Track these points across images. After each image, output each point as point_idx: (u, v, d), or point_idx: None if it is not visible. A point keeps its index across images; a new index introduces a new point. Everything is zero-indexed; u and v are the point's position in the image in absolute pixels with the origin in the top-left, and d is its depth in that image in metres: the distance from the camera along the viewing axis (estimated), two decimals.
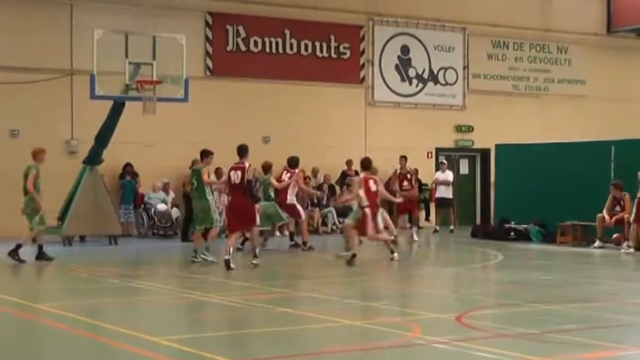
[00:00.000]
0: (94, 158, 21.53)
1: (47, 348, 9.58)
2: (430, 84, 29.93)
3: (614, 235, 21.25)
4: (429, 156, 29.77)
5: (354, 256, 17.09)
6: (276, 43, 27.36)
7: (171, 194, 25.08)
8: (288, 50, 27.54)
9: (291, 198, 20.40)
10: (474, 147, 30.63)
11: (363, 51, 28.86)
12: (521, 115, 30.85)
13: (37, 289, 15.09)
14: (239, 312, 11.85)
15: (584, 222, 22.05)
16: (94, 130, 21.54)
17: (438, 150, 30.00)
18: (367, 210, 17.20)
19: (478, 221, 29.37)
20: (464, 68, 30.47)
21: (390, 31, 29.27)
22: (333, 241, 23.43)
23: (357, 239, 17.50)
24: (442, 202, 26.73)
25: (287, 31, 27.51)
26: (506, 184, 25.57)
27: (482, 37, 30.65)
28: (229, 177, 16.76)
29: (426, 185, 27.94)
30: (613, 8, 32.65)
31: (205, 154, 17.80)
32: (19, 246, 17.46)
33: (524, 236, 23.44)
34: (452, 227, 26.67)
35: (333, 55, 28.29)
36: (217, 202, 19.54)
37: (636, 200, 20.42)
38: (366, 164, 17.84)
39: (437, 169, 28.13)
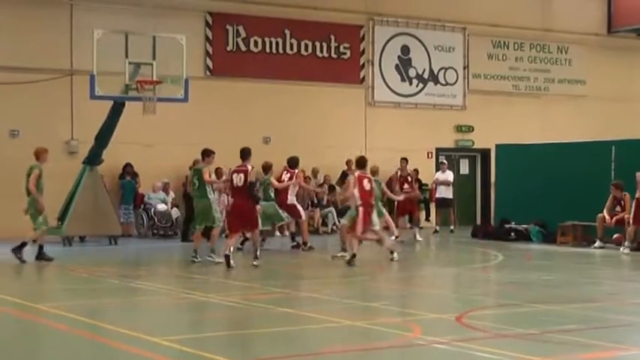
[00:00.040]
0: (94, 158, 21.52)
1: (47, 348, 9.57)
2: (430, 84, 29.92)
3: (615, 236, 21.25)
4: (429, 156, 29.75)
5: (353, 256, 17.08)
6: (276, 43, 27.35)
7: (171, 194, 25.06)
8: (288, 50, 27.53)
9: (291, 198, 20.40)
10: (475, 147, 30.61)
11: (364, 51, 28.85)
12: (521, 115, 30.84)
13: (37, 289, 15.07)
14: (239, 312, 11.84)
15: (584, 222, 22.04)
16: (94, 131, 21.54)
17: (439, 150, 29.98)
18: (360, 209, 17.19)
19: (478, 221, 29.35)
20: (464, 68, 30.45)
21: (390, 31, 29.26)
22: (333, 241, 23.37)
23: (356, 239, 17.48)
24: (442, 203, 26.72)
25: (287, 31, 27.50)
26: (506, 184, 25.56)
27: (482, 37, 30.64)
28: (232, 180, 16.89)
29: (426, 185, 27.94)
30: (613, 8, 32.63)
31: (207, 154, 17.80)
32: (23, 244, 17.51)
33: (524, 236, 23.43)
34: (452, 227, 26.65)
35: (333, 55, 28.28)
36: (217, 202, 19.52)
37: (634, 201, 20.43)
38: (361, 163, 17.82)
39: (437, 170, 28.11)
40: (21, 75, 23.80)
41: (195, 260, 17.31)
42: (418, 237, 23.04)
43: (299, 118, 27.33)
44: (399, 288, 15.08)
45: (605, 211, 21.18)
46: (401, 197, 22.31)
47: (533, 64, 31.60)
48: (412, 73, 29.63)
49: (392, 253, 17.74)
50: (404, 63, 29.54)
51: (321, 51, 28.06)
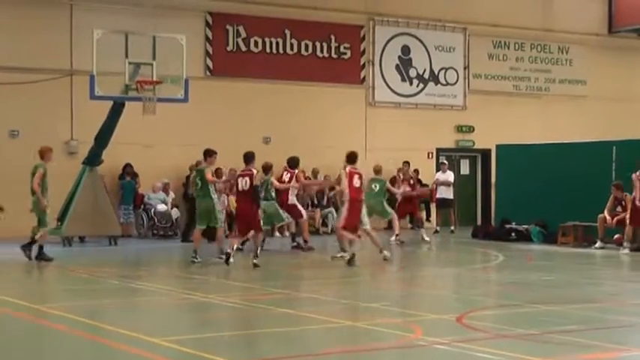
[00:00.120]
0: (93, 159, 21.49)
1: (47, 349, 9.55)
2: (431, 84, 29.89)
3: (616, 236, 21.22)
4: (430, 156, 29.73)
5: (353, 255, 17.07)
6: (277, 43, 27.32)
7: (171, 195, 25.04)
8: (288, 50, 27.51)
9: (292, 198, 20.39)
10: (475, 147, 30.58)
11: (364, 51, 28.83)
12: (522, 115, 30.81)
13: (37, 290, 15.06)
14: (239, 313, 11.82)
15: (585, 222, 22.01)
16: (94, 131, 21.51)
17: (439, 150, 29.96)
18: (346, 204, 17.26)
19: (479, 222, 29.33)
20: (465, 68, 30.43)
21: (390, 31, 29.23)
22: (333, 241, 23.28)
23: (351, 238, 17.48)
24: (443, 203, 26.69)
25: (287, 31, 27.48)
26: (507, 184, 25.53)
27: (483, 37, 30.61)
28: (237, 183, 17.20)
29: (427, 186, 27.89)
30: (614, 8, 32.61)
31: (208, 154, 17.80)
32: (33, 242, 17.53)
33: (525, 237, 23.40)
34: (452, 228, 26.63)
35: (334, 56, 28.26)
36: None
37: (630, 202, 20.44)
38: (352, 158, 17.81)
39: (437, 170, 28.09)
40: (21, 75, 23.77)
41: (195, 261, 17.30)
42: (425, 237, 22.91)
43: (299, 119, 27.31)
44: (399, 288, 15.08)
45: (606, 211, 21.16)
46: (401, 190, 22.46)
47: (534, 64, 31.58)
48: (412, 73, 29.61)
49: (381, 252, 17.67)
50: (404, 63, 29.52)
51: (322, 51, 28.04)
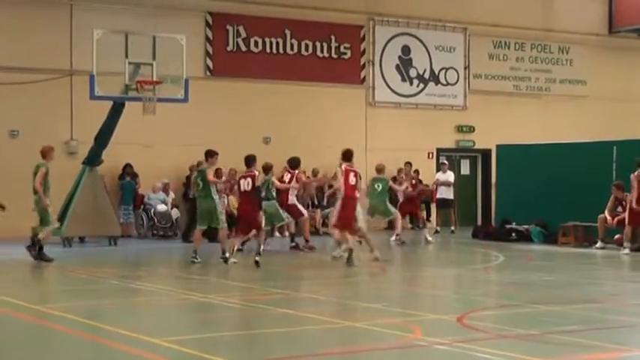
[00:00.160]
0: (93, 159, 21.47)
1: (47, 350, 9.52)
2: (431, 84, 29.88)
3: (616, 236, 21.19)
4: (430, 156, 29.71)
5: (350, 252, 17.08)
6: (277, 43, 27.31)
7: (171, 195, 25.02)
8: (288, 50, 27.49)
9: (292, 198, 20.39)
10: (475, 147, 30.57)
11: (364, 51, 28.81)
12: (522, 115, 30.80)
13: (36, 290, 15.03)
14: (239, 313, 11.82)
15: (585, 223, 21.99)
16: (94, 131, 21.50)
17: (439, 150, 29.94)
18: (340, 202, 17.37)
19: (479, 222, 29.32)
20: (465, 68, 30.41)
21: (390, 31, 29.22)
22: (333, 242, 23.32)
23: (346, 236, 17.49)
24: (443, 203, 26.67)
25: (287, 32, 27.46)
26: (507, 184, 25.51)
27: (483, 37, 30.60)
28: (239, 185, 17.44)
29: (427, 186, 27.87)
30: (614, 8, 32.60)
31: (210, 155, 17.78)
32: (40, 244, 17.53)
33: (525, 237, 23.38)
34: (453, 228, 26.60)
35: (334, 56, 28.24)
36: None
37: (634, 202, 20.43)
38: (347, 155, 17.81)
39: (438, 170, 28.08)
40: (20, 75, 23.75)
41: (195, 261, 17.29)
42: (429, 238, 22.87)
43: (299, 119, 27.29)
44: (399, 289, 15.07)
45: (606, 211, 21.13)
46: (403, 187, 22.46)
47: (534, 64, 31.56)
48: (413, 73, 29.59)
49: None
50: (404, 63, 29.50)
51: (322, 51, 28.02)
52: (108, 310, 12.18)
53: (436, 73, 29.94)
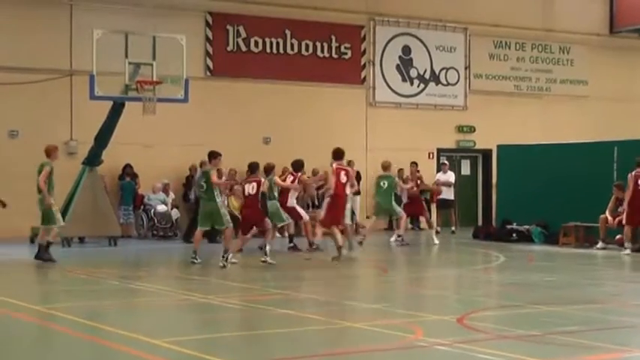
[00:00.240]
0: (93, 159, 21.44)
1: (46, 350, 9.51)
2: (431, 84, 29.85)
3: (617, 237, 21.16)
4: (431, 157, 29.67)
5: (339, 249, 17.24)
6: (277, 43, 27.28)
7: (171, 195, 24.99)
8: (288, 50, 27.47)
9: (291, 201, 20.33)
10: (476, 148, 30.54)
11: (364, 51, 28.79)
12: (523, 115, 30.77)
13: (36, 290, 15.01)
14: (239, 314, 11.80)
15: (586, 223, 21.96)
16: (94, 131, 21.46)
17: (440, 151, 29.92)
18: (328, 199, 17.61)
19: (480, 222, 29.30)
20: (465, 68, 30.38)
21: (391, 31, 29.19)
22: (333, 242, 23.31)
23: (340, 234, 17.56)
24: (443, 203, 26.65)
25: (288, 32, 27.44)
26: (508, 185, 25.48)
27: (484, 37, 30.57)
28: (244, 189, 17.68)
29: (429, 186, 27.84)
30: (615, 8, 32.58)
31: (213, 156, 17.72)
32: (49, 244, 17.54)
33: (526, 237, 23.34)
34: (453, 228, 26.58)
35: (334, 56, 28.21)
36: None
37: (625, 202, 20.40)
38: (338, 154, 17.89)
39: (438, 170, 28.05)
40: (20, 75, 23.73)
41: (195, 262, 17.26)
42: (435, 240, 22.79)
43: (299, 119, 27.26)
44: (399, 289, 15.03)
45: (607, 212, 21.10)
46: (409, 185, 22.50)
47: (535, 64, 31.53)
48: (413, 73, 29.57)
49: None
50: (405, 63, 29.47)
51: (322, 51, 27.99)
52: (108, 310, 12.16)
53: (437, 73, 29.91)
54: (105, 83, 20.59)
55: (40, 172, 17.50)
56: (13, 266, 17.26)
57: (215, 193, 17.43)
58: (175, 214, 24.43)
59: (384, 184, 21.75)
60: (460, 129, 30.31)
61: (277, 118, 26.94)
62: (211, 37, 26.40)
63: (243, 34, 26.81)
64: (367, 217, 27.48)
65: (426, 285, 15.69)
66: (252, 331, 10.60)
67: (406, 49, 29.47)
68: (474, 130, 30.38)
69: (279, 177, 20.70)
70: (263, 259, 17.03)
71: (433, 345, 9.25)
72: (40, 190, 17.48)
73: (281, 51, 27.33)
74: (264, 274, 16.11)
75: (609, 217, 21.04)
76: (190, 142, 24.75)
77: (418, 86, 29.66)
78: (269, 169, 19.86)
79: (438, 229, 26.25)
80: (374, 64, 28.92)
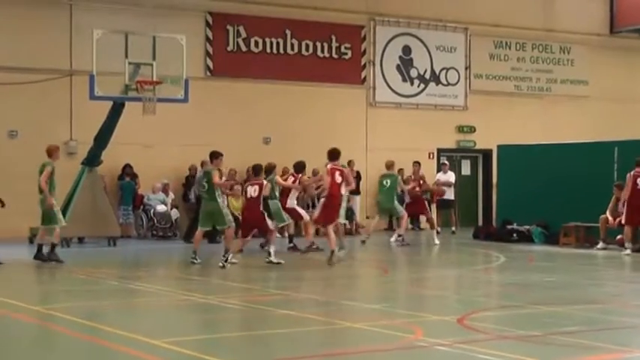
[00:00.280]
0: (93, 159, 21.40)
1: (46, 351, 9.48)
2: (432, 84, 29.83)
3: (618, 237, 21.13)
4: (431, 157, 29.65)
5: (332, 252, 17.16)
6: (277, 43, 27.25)
7: (171, 195, 24.97)
8: (289, 50, 27.44)
9: (290, 202, 20.30)
10: (476, 148, 30.52)
11: (365, 51, 28.77)
12: (523, 115, 30.76)
13: (35, 291, 14.99)
14: (239, 314, 11.77)
15: (587, 223, 21.94)
16: (94, 131, 21.42)
17: (440, 151, 29.90)
18: (322, 199, 17.72)
19: (480, 222, 29.28)
20: (466, 68, 30.36)
21: (391, 32, 29.17)
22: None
23: (334, 236, 17.57)
24: (444, 204, 26.61)
25: (288, 32, 27.41)
26: (508, 185, 25.46)
27: (484, 38, 30.54)
28: (246, 191, 17.68)
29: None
30: (616, 8, 32.56)
31: (215, 156, 17.70)
32: (53, 245, 17.50)
33: (526, 237, 23.32)
34: (453, 228, 26.56)
35: (334, 56, 28.19)
36: None
37: (621, 201, 20.38)
38: (333, 155, 17.94)
39: (438, 170, 28.03)
40: (20, 75, 23.70)
41: (195, 262, 17.24)
42: (436, 240, 22.77)
43: (300, 119, 27.23)
44: (400, 289, 15.01)
45: (608, 212, 21.08)
46: (410, 186, 22.48)
47: (536, 64, 31.51)
48: (413, 73, 29.55)
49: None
50: (405, 63, 29.45)
51: (322, 51, 27.97)
52: (107, 310, 12.13)
53: (437, 73, 29.89)
54: (105, 83, 20.55)
55: (41, 172, 17.47)
56: (12, 267, 17.21)
57: (217, 193, 17.43)
58: (175, 214, 24.40)
59: (386, 182, 21.79)
60: (460, 129, 30.29)
61: (277, 118, 26.91)
62: (211, 37, 26.38)
63: (244, 34, 26.79)
64: (367, 217, 27.55)
65: (426, 285, 15.66)
66: (252, 331, 10.57)
67: (406, 49, 29.45)
68: (475, 130, 30.36)
69: (281, 177, 20.68)
70: (268, 259, 17.01)
71: (433, 345, 9.23)
72: (41, 191, 17.46)
73: (281, 51, 27.31)
74: (264, 274, 16.09)
75: (610, 218, 21.02)
76: (190, 143, 24.73)
77: (418, 86, 29.64)
78: (270, 169, 19.87)
79: (439, 229, 26.25)
80: (374, 64, 28.89)
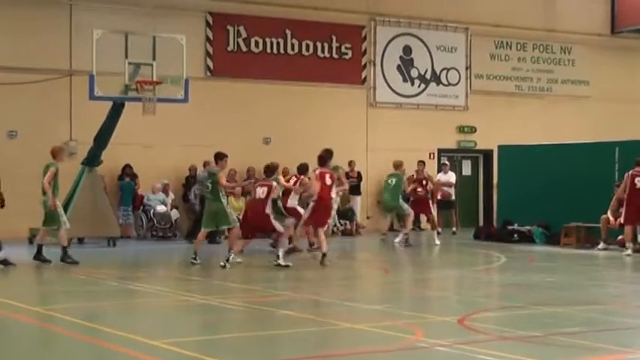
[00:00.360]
0: (92, 159, 21.37)
1: (45, 351, 9.47)
2: (432, 84, 29.80)
3: (619, 237, 21.09)
4: (432, 157, 29.60)
5: (323, 255, 17.13)
6: (277, 43, 27.23)
7: (171, 195, 24.95)
8: (289, 51, 27.42)
9: (291, 202, 20.27)
10: (477, 148, 30.50)
11: (365, 51, 28.74)
12: (524, 115, 30.73)
13: (35, 291, 14.97)
14: (239, 315, 11.75)
15: (588, 223, 21.91)
16: (93, 131, 21.38)
17: (441, 151, 29.88)
18: (312, 203, 17.71)
19: (481, 223, 29.24)
20: (466, 69, 30.33)
21: (392, 32, 29.14)
22: (333, 243, 23.25)
23: (324, 240, 17.60)
24: (444, 204, 26.57)
25: (288, 32, 27.39)
26: (509, 185, 25.44)
27: (485, 38, 30.52)
28: (255, 192, 17.54)
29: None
30: (617, 8, 32.53)
31: (220, 157, 17.68)
32: (65, 248, 17.53)
33: (527, 238, 23.30)
34: (454, 229, 26.53)
35: (335, 56, 28.16)
36: None
37: (625, 202, 20.36)
38: (322, 160, 18.12)
39: (439, 171, 28.00)
40: (20, 75, 23.68)
41: (195, 262, 17.21)
42: (437, 241, 22.75)
43: (300, 119, 27.22)
44: (400, 290, 14.98)
45: (609, 212, 21.04)
46: (411, 187, 22.61)
47: (536, 64, 31.49)
48: (414, 73, 29.52)
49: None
50: (406, 63, 29.42)
51: (323, 51, 27.95)
52: (106, 311, 12.12)
53: (437, 73, 29.86)
54: (105, 83, 20.52)
55: (45, 172, 17.45)
56: (12, 267, 17.16)
57: (221, 194, 17.42)
58: (175, 214, 24.37)
59: (392, 181, 21.86)
60: (461, 129, 30.27)
61: (278, 118, 26.89)
62: (211, 37, 26.35)
63: (244, 34, 26.77)
64: (367, 218, 27.55)
65: (427, 286, 15.63)
66: (252, 332, 10.53)
67: (407, 50, 29.42)
68: (475, 131, 30.34)
69: (282, 178, 20.65)
70: (276, 262, 16.77)
71: (434, 346, 9.20)
72: (44, 191, 17.43)
73: (281, 51, 27.28)
74: (265, 274, 16.07)
75: (611, 218, 20.98)
76: (190, 143, 24.70)
77: (419, 86, 29.62)
78: (273, 169, 19.83)
79: (439, 229, 26.23)
80: (374, 65, 28.87)
